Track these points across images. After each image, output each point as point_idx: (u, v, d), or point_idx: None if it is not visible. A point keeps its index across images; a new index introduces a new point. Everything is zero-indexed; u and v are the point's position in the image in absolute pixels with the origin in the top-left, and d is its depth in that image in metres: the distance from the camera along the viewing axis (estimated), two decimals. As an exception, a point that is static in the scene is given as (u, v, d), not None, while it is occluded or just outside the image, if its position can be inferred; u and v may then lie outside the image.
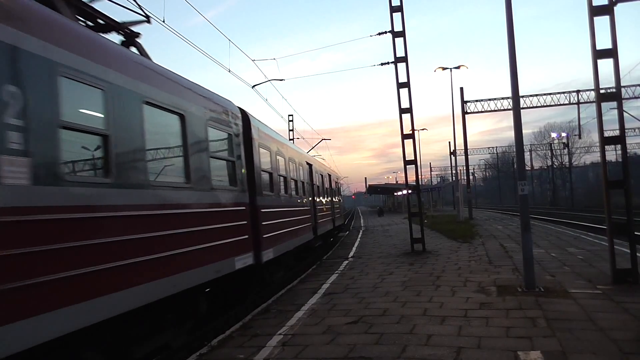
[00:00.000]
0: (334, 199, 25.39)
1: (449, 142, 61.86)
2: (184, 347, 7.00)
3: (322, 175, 21.51)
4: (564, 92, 37.24)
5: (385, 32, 15.93)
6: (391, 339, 6.13)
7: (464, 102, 35.03)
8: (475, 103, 37.17)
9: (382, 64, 17.05)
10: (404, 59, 15.53)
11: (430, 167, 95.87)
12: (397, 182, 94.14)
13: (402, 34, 15.43)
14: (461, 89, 35.60)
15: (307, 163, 17.64)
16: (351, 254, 16.66)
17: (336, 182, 28.45)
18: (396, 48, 15.50)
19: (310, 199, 17.07)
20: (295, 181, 14.48)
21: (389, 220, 42.68)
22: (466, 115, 35.08)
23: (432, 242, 18.41)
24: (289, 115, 36.76)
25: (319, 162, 22.47)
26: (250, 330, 7.09)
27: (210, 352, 6.24)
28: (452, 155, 42.71)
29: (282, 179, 12.64)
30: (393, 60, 15.64)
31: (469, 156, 38.03)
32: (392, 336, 6.26)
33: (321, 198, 20.51)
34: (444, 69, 34.56)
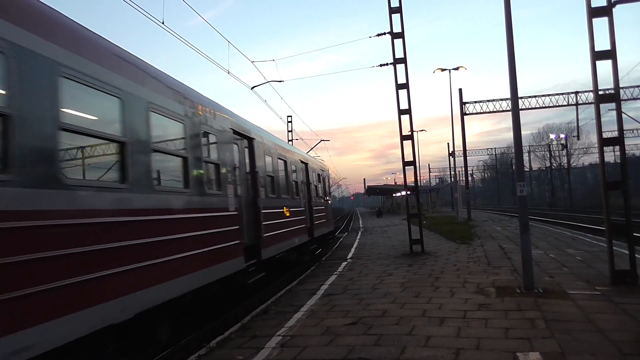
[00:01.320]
0: (314, 198, 17.96)
1: (448, 143, 61.89)
2: (182, 348, 6.99)
3: (285, 162, 14.05)
4: (562, 94, 37.34)
5: (385, 34, 15.93)
6: (390, 340, 6.12)
7: (462, 104, 35.07)
8: (474, 104, 37.25)
9: (381, 65, 17.03)
10: (403, 60, 15.55)
11: (429, 168, 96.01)
12: (395, 183, 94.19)
13: (401, 35, 15.45)
14: (460, 90, 35.71)
15: (243, 135, 10.35)
16: (350, 255, 16.65)
17: (319, 176, 20.33)
18: (395, 49, 15.53)
19: (236, 194, 9.38)
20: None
21: (388, 221, 42.68)
22: (465, 117, 35.13)
23: (430, 243, 18.41)
24: (288, 117, 36.73)
25: (279, 144, 14.08)
26: (249, 332, 7.08)
27: (209, 353, 6.24)
28: (450, 156, 42.75)
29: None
30: (392, 61, 15.66)
31: (467, 157, 38.04)
32: (391, 337, 6.25)
33: (282, 196, 13.17)
34: (442, 70, 34.58)
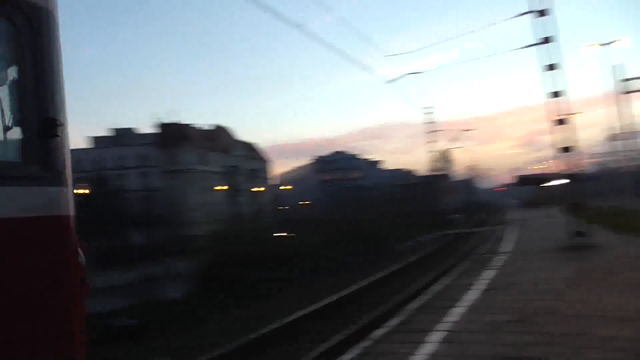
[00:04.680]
0: None
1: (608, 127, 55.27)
2: (349, 337, 7.33)
3: None
4: None
5: (526, 13, 15.01)
6: (558, 340, 5.80)
7: (623, 80, 31.39)
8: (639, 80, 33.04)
9: (526, 47, 16.05)
10: (550, 40, 14.51)
11: (589, 155, 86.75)
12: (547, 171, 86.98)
13: (546, 12, 14.43)
14: (616, 67, 31.93)
15: None
16: (505, 249, 16.08)
17: None
18: (540, 29, 14.57)
19: None
20: None
21: (543, 213, 39.97)
22: (629, 95, 31.42)
23: (596, 236, 16.80)
24: (428, 108, 36.12)
25: None
26: (409, 326, 7.23)
27: (373, 345, 6.47)
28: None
29: None
30: (539, 41, 14.71)
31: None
32: (559, 337, 5.92)
33: None
34: (600, 45, 31.37)
